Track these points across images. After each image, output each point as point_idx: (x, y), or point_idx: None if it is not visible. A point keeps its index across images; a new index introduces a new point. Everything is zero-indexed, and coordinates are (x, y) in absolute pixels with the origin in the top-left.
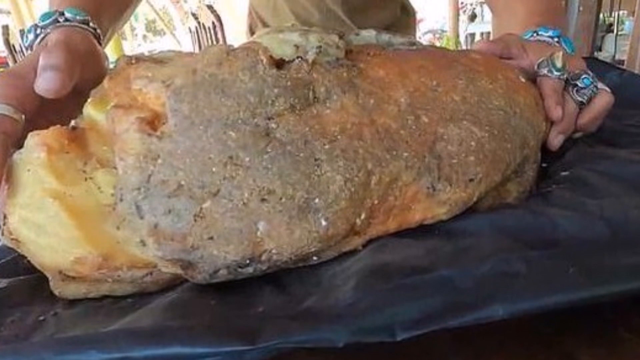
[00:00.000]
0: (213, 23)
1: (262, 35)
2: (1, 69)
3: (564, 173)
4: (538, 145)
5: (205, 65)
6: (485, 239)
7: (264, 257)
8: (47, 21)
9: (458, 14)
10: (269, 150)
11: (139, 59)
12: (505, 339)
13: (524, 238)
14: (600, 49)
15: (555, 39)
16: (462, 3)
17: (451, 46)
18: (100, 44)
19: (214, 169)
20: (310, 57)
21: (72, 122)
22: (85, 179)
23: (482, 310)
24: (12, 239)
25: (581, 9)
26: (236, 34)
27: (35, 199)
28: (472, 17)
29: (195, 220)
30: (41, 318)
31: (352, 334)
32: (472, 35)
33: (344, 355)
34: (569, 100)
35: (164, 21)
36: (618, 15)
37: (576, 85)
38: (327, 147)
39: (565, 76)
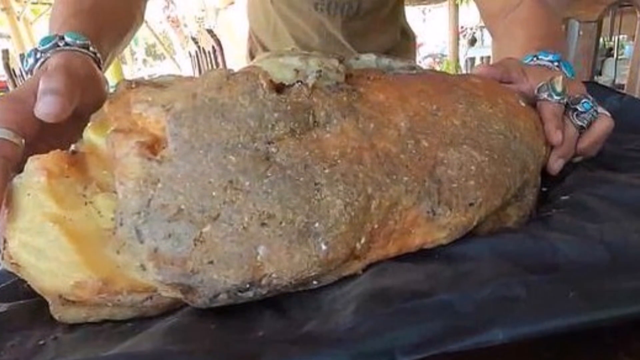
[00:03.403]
0: (213, 47)
1: (262, 59)
2: (1, 93)
3: (564, 197)
4: (538, 170)
5: (205, 89)
6: (485, 264)
7: (264, 282)
8: (47, 45)
9: (458, 38)
10: (269, 174)
11: (139, 83)
12: None
13: (524, 262)
14: (600, 73)
15: (555, 63)
16: (462, 27)
17: (451, 70)
18: (100, 68)
19: (214, 193)
20: (311, 81)
21: (72, 147)
22: (86, 203)
23: (482, 335)
24: (12, 263)
25: (581, 33)
26: (236, 58)
27: (35, 223)
28: (472, 42)
29: (195, 245)
30: (41, 342)
31: (352, 358)
32: (472, 59)
33: None
34: (569, 125)
35: (164, 45)
36: (618, 39)
37: (576, 109)
38: (327, 171)
39: (565, 100)
